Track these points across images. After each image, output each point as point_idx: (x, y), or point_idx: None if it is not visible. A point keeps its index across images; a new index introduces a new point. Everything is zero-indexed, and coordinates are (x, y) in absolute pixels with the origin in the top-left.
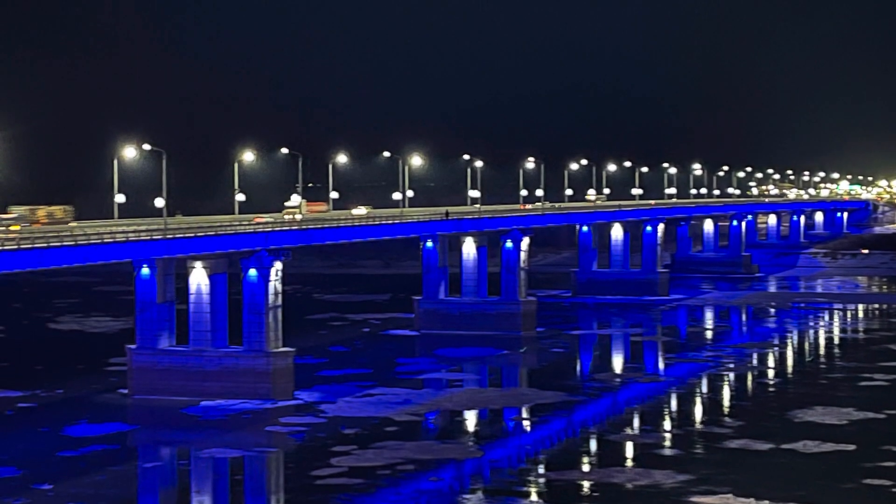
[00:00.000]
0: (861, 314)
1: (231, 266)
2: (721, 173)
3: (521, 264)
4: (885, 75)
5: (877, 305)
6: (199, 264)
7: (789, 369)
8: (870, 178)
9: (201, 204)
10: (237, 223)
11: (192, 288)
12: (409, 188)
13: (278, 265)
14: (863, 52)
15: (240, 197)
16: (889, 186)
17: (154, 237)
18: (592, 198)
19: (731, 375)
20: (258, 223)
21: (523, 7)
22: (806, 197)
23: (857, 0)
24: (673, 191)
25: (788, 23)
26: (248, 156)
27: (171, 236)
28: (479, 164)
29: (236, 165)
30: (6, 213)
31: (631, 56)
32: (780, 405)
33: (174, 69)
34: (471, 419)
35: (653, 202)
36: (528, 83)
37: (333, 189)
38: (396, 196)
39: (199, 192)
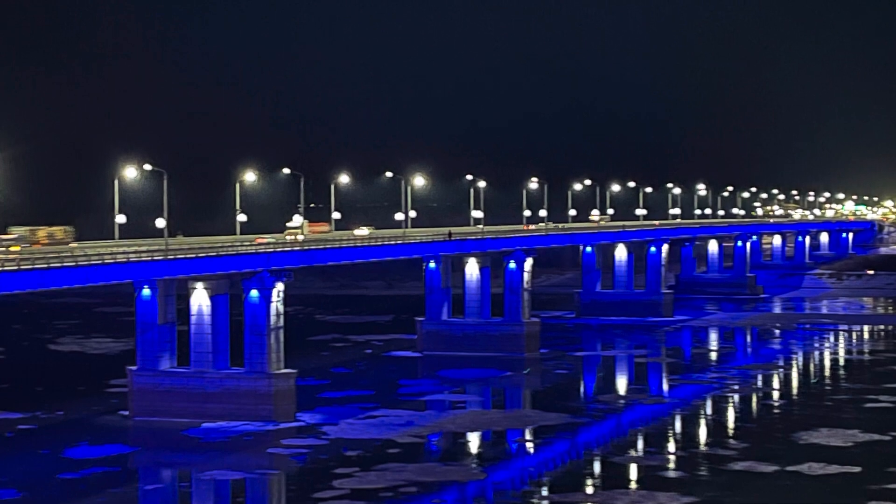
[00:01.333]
0: (866, 335)
1: (232, 287)
2: (726, 193)
3: (525, 285)
4: (891, 94)
5: (882, 327)
6: (200, 285)
7: (794, 391)
8: (875, 199)
9: (203, 224)
10: (239, 244)
11: (194, 309)
12: (412, 208)
13: (280, 286)
14: (868, 72)
15: (241, 217)
16: (895, 206)
17: (155, 258)
18: (596, 218)
19: (736, 397)
20: (260, 244)
21: (527, 27)
22: (811, 217)
23: (862, 19)
24: (677, 211)
25: (793, 42)
26: (250, 176)
27: (172, 257)
28: (482, 184)
29: (238, 186)
30: (6, 234)
31: (635, 76)
32: (785, 427)
33: (175, 89)
34: (474, 441)
35: (657, 223)
36: (531, 103)
37: (336, 209)
38: (399, 216)
39: (200, 212)
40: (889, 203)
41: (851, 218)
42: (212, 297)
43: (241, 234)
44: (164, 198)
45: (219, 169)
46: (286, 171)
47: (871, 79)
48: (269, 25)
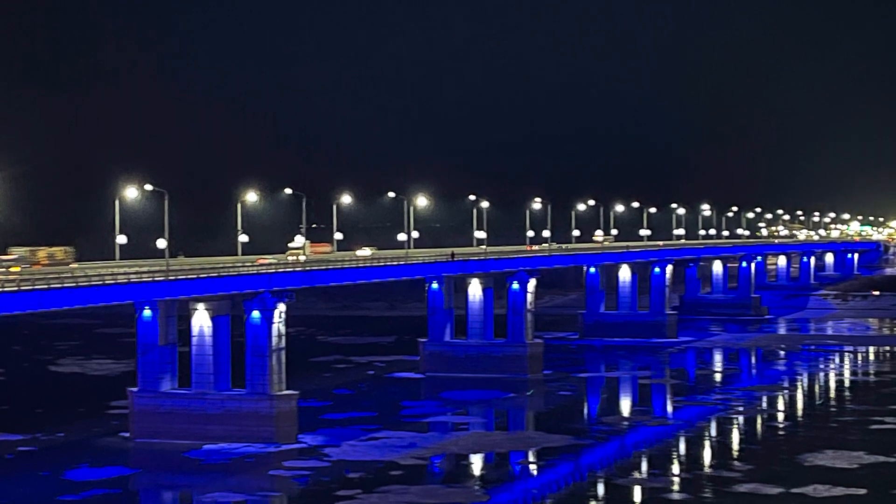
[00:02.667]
0: (872, 357)
1: (234, 308)
2: (730, 214)
3: (528, 306)
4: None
5: (888, 348)
6: (201, 306)
7: (799, 412)
8: (881, 219)
9: (204, 245)
10: (240, 264)
11: (195, 330)
12: (415, 229)
13: (282, 307)
14: (874, 92)
15: (243, 238)
16: None
17: (156, 279)
18: (600, 239)
19: (741, 419)
20: (261, 264)
21: (529, 47)
22: (816, 238)
23: (868, 39)
24: (681, 231)
25: (799, 62)
26: (252, 196)
27: (173, 278)
28: (485, 204)
29: (239, 206)
30: (6, 255)
31: (639, 96)
32: (789, 449)
33: (176, 108)
34: (477, 463)
35: (661, 243)
36: (534, 123)
37: (338, 230)
38: (401, 237)
39: (201, 233)
40: (894, 224)
41: (857, 238)
42: (213, 318)
43: (243, 254)
44: (166, 218)
45: (220, 189)
46: (288, 191)
47: (877, 99)
48: (270, 45)
